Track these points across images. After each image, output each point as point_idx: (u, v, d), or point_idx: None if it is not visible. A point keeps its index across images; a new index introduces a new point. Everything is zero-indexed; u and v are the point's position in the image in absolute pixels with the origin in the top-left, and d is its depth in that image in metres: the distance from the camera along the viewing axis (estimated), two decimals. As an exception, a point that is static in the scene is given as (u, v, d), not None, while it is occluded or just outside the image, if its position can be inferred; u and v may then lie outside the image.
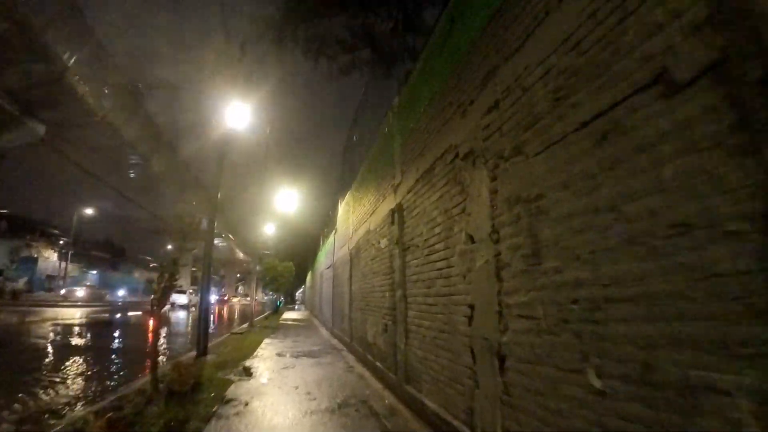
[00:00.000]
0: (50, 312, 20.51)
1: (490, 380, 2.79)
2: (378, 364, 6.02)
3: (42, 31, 15.13)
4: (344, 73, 15.13)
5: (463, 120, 3.47)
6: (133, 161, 27.08)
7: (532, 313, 2.38)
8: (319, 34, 14.86)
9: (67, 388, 5.72)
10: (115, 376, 6.71)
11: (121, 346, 10.93)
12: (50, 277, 48.97)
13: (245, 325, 16.28)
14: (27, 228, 49.67)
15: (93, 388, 5.76)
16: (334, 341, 11.34)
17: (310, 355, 8.56)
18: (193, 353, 8.06)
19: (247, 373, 6.37)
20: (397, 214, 5.13)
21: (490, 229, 2.84)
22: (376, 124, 7.88)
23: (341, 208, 12.28)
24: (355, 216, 9.02)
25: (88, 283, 44.95)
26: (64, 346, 10.21)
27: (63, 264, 49.18)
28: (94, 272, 59.61)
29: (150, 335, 5.34)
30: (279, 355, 8.49)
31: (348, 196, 10.62)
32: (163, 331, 15.75)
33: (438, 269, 3.73)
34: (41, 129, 18.91)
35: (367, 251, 7.21)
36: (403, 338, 4.75)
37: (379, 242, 6.22)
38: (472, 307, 3.06)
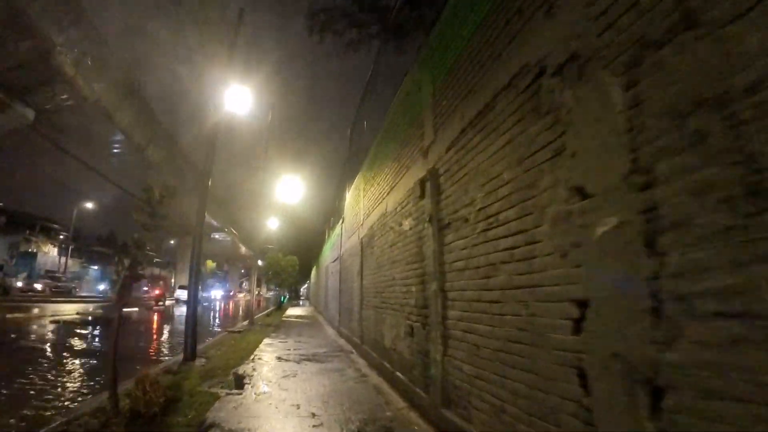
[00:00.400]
0: (40, 308, 19.49)
1: (627, 426, 1.62)
2: (399, 375, 4.86)
3: (27, 5, 14.05)
4: (352, 48, 13.98)
5: (548, 21, 2.29)
6: (131, 151, 26.06)
7: (749, 307, 1.21)
8: (325, 7, 13.72)
9: (17, 402, 4.60)
10: (84, 385, 5.60)
11: (105, 348, 9.79)
12: (49, 273, 48.11)
13: (245, 323, 15.15)
14: (26, 223, 48.87)
15: (49, 404, 4.64)
16: (341, 341, 10.20)
17: (314, 359, 7.41)
18: (182, 357, 6.96)
19: (239, 384, 5.22)
20: (430, 182, 3.95)
21: (629, 167, 1.65)
22: (389, 95, 6.79)
23: (349, 195, 11.12)
24: (367, 200, 7.85)
25: (57, 275, 38.71)
26: (40, 347, 9.14)
27: (63, 259, 48.35)
28: (95, 267, 58.69)
29: (115, 338, 4.20)
30: (279, 359, 7.34)
31: (357, 180, 9.45)
32: (166, 330, 14.77)
33: (506, 249, 2.54)
34: (30, 114, 17.84)
35: (384, 237, 6.04)
36: (439, 347, 3.57)
37: (400, 224, 5.05)
38: (583, 303, 1.87)
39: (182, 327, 15.61)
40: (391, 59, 9.79)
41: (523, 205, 2.36)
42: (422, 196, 4.18)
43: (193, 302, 7.27)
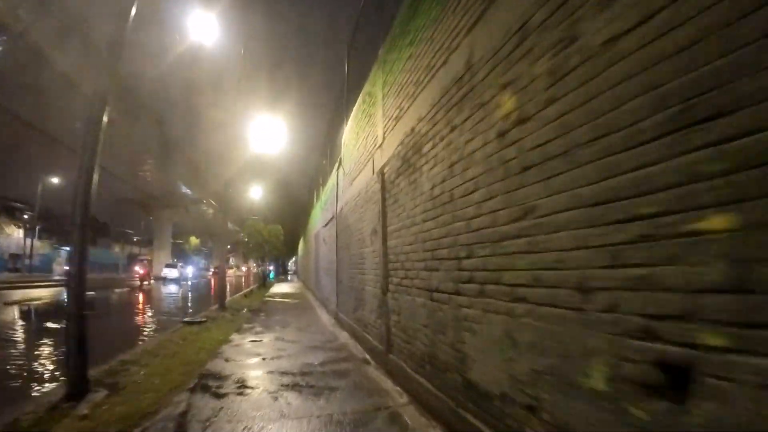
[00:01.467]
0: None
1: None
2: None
3: None
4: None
5: None
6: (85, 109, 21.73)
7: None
8: None
9: None
10: None
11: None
12: (14, 256, 44.16)
13: (214, 308, 11.75)
14: (-14, 204, 44.41)
15: None
16: (343, 337, 6.97)
17: (305, 383, 4.14)
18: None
19: None
20: None
21: None
22: None
23: (350, 123, 7.70)
24: (393, 97, 4.45)
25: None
26: None
27: (30, 240, 44.19)
28: (68, 248, 54.30)
29: None
30: (242, 386, 4.08)
31: (368, 85, 6.00)
32: (140, 316, 11.61)
33: None
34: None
35: (450, 143, 2.70)
36: None
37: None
38: None
39: (163, 312, 12.44)
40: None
41: None
42: None
43: (75, 292, 3.86)
